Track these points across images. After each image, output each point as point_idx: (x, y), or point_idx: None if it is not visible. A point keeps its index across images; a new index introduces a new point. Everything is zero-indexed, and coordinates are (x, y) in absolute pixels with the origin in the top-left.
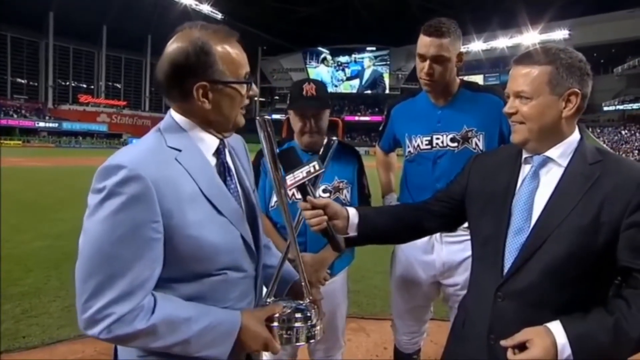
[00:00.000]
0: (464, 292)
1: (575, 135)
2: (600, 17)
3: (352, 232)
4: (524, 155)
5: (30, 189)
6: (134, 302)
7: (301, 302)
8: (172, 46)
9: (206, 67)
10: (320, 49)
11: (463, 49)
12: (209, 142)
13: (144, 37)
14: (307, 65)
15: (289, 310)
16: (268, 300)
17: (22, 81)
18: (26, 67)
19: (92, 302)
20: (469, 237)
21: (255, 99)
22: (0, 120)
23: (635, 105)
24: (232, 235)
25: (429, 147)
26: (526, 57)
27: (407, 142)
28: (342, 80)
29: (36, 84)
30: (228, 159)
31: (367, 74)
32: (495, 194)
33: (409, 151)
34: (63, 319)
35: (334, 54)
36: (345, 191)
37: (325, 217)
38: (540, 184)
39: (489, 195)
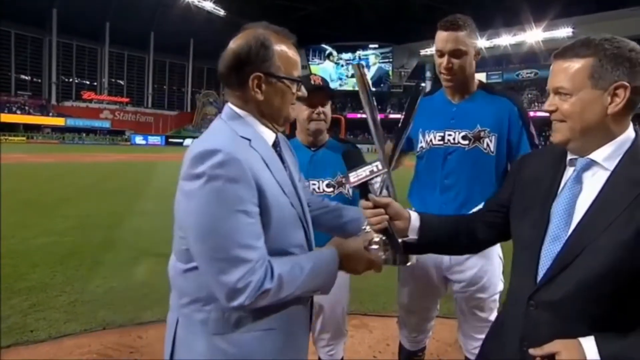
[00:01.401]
0: (471, 288)
1: (628, 134)
2: (603, 15)
3: (413, 236)
4: (569, 156)
5: (35, 186)
6: (261, 268)
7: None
8: (238, 40)
9: (264, 60)
10: (323, 45)
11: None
12: (268, 135)
13: (147, 34)
14: (310, 62)
15: (384, 238)
16: (365, 228)
17: (26, 78)
18: (30, 63)
19: (228, 278)
20: None
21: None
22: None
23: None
24: (292, 215)
25: (440, 142)
26: (566, 50)
27: (420, 137)
28: (347, 77)
29: (40, 80)
30: (282, 152)
31: (372, 71)
32: (536, 198)
33: (421, 147)
34: (69, 313)
35: (337, 50)
36: (348, 186)
37: (387, 217)
38: (584, 189)
39: (530, 198)
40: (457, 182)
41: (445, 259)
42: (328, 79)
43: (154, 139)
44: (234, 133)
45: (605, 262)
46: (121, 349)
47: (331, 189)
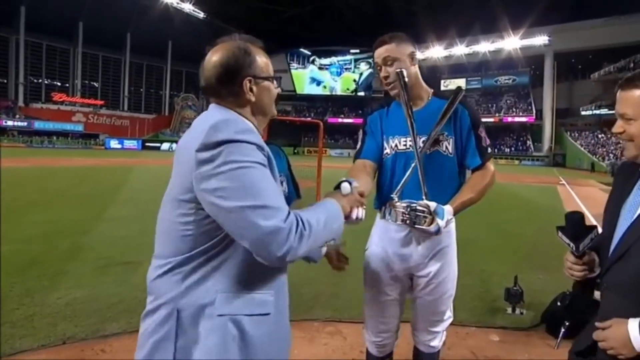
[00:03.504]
0: (436, 280)
1: None
2: (579, 24)
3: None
4: None
5: None
6: (292, 214)
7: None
8: (218, 53)
9: (250, 64)
10: (302, 50)
11: (446, 52)
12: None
13: (123, 35)
14: (290, 67)
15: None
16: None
17: None
18: None
19: (273, 221)
20: (448, 227)
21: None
22: None
23: (611, 110)
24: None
25: (404, 147)
26: (629, 82)
27: (385, 143)
28: (329, 82)
29: (5, 81)
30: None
31: (363, 76)
32: (615, 200)
33: (386, 152)
34: (26, 328)
35: (318, 55)
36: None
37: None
38: None
39: (611, 201)
40: (416, 180)
41: (414, 256)
42: (308, 84)
43: (130, 143)
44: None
45: None
46: None
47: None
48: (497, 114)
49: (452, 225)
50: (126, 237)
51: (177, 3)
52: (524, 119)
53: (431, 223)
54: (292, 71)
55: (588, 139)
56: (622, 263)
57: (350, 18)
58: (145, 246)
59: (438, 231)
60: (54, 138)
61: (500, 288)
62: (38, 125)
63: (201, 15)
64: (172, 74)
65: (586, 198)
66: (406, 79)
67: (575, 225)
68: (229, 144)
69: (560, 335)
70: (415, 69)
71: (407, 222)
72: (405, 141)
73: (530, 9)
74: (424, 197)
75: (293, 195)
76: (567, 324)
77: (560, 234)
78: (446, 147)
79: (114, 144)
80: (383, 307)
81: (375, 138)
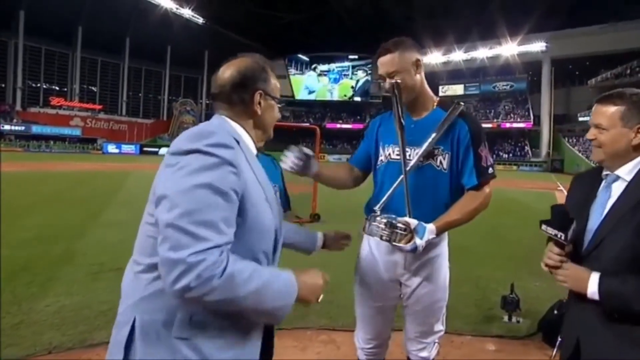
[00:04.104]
0: (423, 290)
1: None
2: (576, 31)
3: None
4: (604, 172)
5: None
6: (218, 255)
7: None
8: (238, 63)
9: (264, 80)
10: (301, 56)
11: (444, 58)
12: (252, 148)
13: (122, 39)
14: (289, 73)
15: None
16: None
17: None
18: None
19: (180, 253)
20: (437, 238)
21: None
22: None
23: None
24: (271, 222)
25: (397, 157)
26: (606, 98)
27: (380, 150)
28: (326, 87)
29: (3, 85)
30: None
31: (360, 82)
32: (582, 201)
33: (381, 160)
34: (11, 337)
35: (317, 61)
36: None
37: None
38: (612, 195)
39: (579, 203)
40: (409, 194)
41: (400, 263)
42: (307, 89)
43: (128, 148)
44: (226, 129)
45: (623, 246)
46: None
47: None
48: (495, 120)
49: (445, 235)
50: (119, 243)
51: (177, 8)
52: (521, 125)
53: (409, 241)
54: (291, 77)
55: (586, 145)
56: (596, 252)
57: (349, 24)
58: None
59: (415, 250)
60: (52, 142)
61: (496, 295)
62: (36, 129)
63: (200, 20)
64: (170, 78)
65: None
66: (401, 91)
67: (562, 216)
68: (195, 154)
69: (557, 344)
70: (420, 77)
71: (383, 237)
72: (399, 152)
73: (527, 16)
74: (407, 214)
75: (284, 206)
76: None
77: (544, 226)
78: (440, 162)
79: (111, 148)
80: (372, 314)
81: (367, 144)
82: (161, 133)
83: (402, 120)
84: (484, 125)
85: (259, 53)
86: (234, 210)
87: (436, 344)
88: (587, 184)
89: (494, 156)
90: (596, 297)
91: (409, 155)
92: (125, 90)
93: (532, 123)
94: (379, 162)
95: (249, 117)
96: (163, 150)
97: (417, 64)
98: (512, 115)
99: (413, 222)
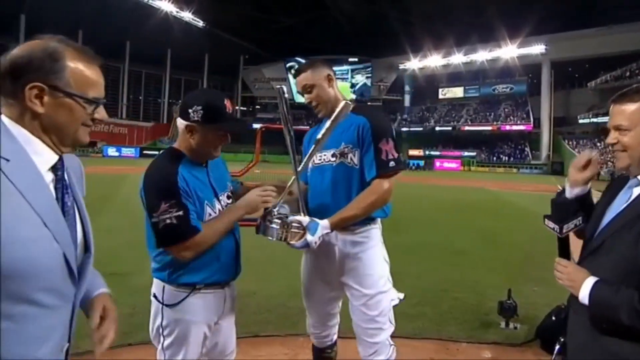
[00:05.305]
0: (355, 284)
1: None
2: (575, 33)
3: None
4: (631, 178)
5: None
6: None
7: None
8: (22, 46)
9: (49, 71)
10: (300, 60)
11: (444, 61)
12: (47, 157)
13: (122, 44)
14: (289, 76)
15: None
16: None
17: None
18: None
19: None
20: (364, 234)
21: (237, 109)
22: None
23: (607, 119)
24: (54, 253)
25: (319, 161)
26: (623, 96)
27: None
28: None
29: None
30: (66, 176)
31: (357, 85)
32: (602, 204)
33: (311, 167)
34: None
35: None
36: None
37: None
38: (630, 198)
39: (599, 206)
40: (328, 191)
41: (334, 250)
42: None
43: (128, 151)
44: None
45: (620, 255)
46: None
47: (230, 200)
48: (495, 123)
49: (374, 231)
50: (112, 248)
51: (177, 12)
52: (521, 127)
53: (301, 238)
54: (291, 80)
55: (586, 147)
56: (597, 255)
57: (347, 28)
58: (133, 257)
59: (307, 246)
60: None
61: (493, 300)
62: None
63: (200, 23)
64: (170, 82)
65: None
66: (286, 96)
67: (558, 209)
68: None
69: (555, 352)
70: (333, 90)
71: (277, 237)
72: (320, 155)
73: (527, 18)
74: (301, 213)
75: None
76: (562, 340)
77: (546, 221)
78: (351, 159)
79: (111, 151)
80: (311, 300)
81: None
82: (161, 136)
83: (290, 126)
84: (483, 128)
85: (259, 54)
86: None
87: (392, 346)
88: (618, 185)
89: (494, 159)
90: (586, 301)
91: (326, 158)
92: (126, 93)
93: (532, 125)
94: (308, 170)
95: (32, 118)
96: None
97: (329, 78)
98: (512, 117)
99: (305, 220)
